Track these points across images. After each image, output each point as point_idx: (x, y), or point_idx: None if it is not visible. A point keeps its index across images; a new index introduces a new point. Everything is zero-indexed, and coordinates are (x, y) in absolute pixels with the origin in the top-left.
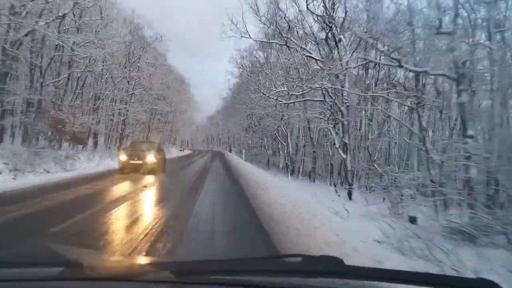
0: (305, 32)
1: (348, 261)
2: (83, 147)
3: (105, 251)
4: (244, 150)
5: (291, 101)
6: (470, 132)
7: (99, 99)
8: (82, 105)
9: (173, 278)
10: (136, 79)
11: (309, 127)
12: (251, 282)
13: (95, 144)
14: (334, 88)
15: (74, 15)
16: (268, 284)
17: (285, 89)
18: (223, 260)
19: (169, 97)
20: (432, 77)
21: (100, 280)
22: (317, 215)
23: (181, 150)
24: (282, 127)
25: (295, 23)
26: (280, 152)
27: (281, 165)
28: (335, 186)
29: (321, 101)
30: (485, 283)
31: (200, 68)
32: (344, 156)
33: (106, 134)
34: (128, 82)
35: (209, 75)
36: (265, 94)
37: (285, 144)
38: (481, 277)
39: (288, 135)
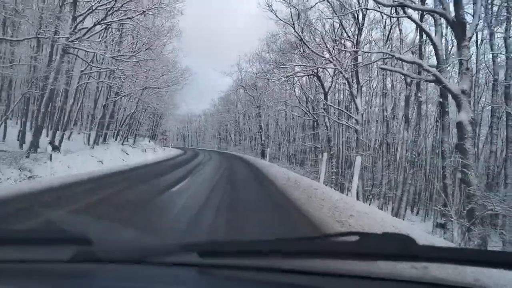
0: None
1: None
2: None
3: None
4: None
5: None
6: None
7: None
8: None
9: (199, 261)
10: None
11: None
12: (293, 267)
13: None
14: None
15: None
16: (315, 269)
17: None
18: (258, 240)
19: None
20: None
21: (115, 262)
22: None
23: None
24: None
25: None
26: None
27: None
28: None
29: None
30: None
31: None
32: None
33: None
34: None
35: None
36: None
37: None
38: None
39: None
